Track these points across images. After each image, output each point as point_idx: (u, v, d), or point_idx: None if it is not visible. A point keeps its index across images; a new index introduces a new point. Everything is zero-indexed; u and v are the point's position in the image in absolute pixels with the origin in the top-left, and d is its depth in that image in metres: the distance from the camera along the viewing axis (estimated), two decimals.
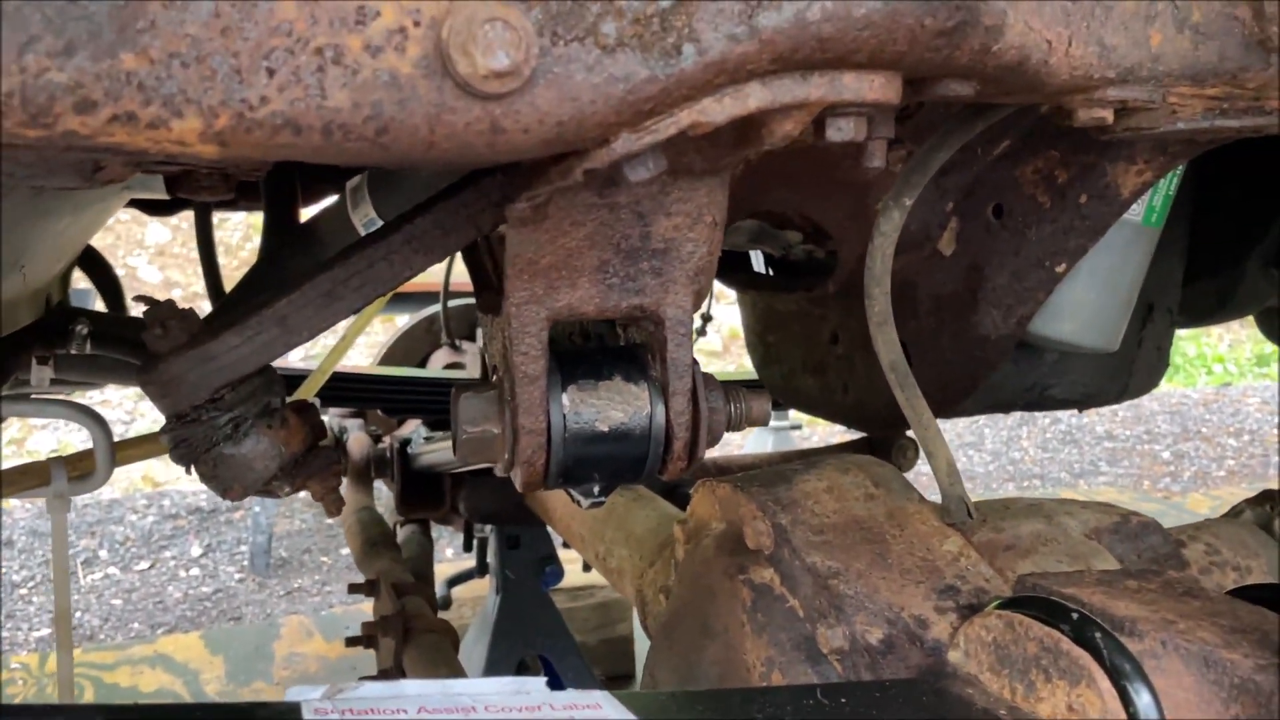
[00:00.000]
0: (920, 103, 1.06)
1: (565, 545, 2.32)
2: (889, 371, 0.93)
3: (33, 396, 1.04)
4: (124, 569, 3.91)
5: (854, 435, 1.89)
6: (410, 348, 2.53)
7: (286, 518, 4.34)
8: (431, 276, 2.21)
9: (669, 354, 0.67)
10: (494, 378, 0.73)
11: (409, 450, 1.81)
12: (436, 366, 2.44)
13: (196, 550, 4.05)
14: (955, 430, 5.18)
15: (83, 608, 3.60)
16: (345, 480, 2.01)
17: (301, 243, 1.42)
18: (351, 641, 1.52)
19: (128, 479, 5.01)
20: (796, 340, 1.52)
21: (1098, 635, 0.59)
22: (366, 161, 0.47)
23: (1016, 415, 5.64)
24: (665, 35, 0.48)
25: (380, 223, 1.10)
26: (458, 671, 1.30)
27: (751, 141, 0.56)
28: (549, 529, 2.29)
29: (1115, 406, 6.11)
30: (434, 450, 1.68)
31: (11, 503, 4.57)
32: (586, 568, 2.31)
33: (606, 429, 0.67)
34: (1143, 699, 0.56)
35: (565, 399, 0.67)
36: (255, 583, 3.77)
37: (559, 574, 2.29)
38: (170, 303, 0.72)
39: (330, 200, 1.64)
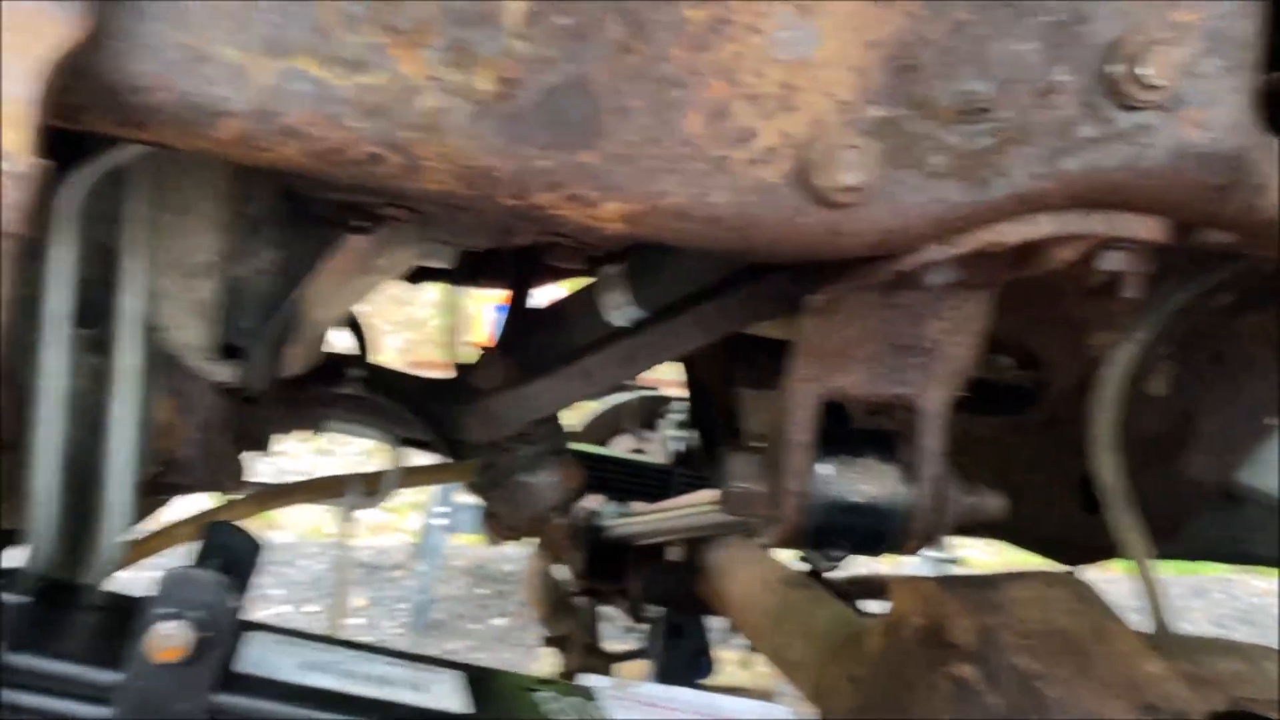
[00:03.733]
0: None
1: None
2: (1108, 494, 0.99)
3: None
4: (295, 608, 4.15)
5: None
6: (595, 430, 2.68)
7: (443, 583, 4.52)
8: None
9: (922, 441, 0.76)
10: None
11: (596, 522, 1.92)
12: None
13: (361, 601, 4.27)
14: None
15: None
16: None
17: (546, 326, 1.57)
18: None
19: (301, 528, 5.33)
20: (990, 464, 1.56)
21: None
22: (726, 247, 0.60)
23: None
24: (981, 169, 0.59)
25: (634, 311, 1.23)
26: None
27: (1030, 263, 0.66)
28: (704, 623, 2.35)
29: None
30: (630, 524, 1.79)
31: None
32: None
33: (859, 501, 0.76)
34: None
35: (825, 469, 0.77)
36: (412, 640, 3.94)
37: (710, 667, 2.33)
38: (493, 350, 0.87)
39: (549, 287, 1.80)
